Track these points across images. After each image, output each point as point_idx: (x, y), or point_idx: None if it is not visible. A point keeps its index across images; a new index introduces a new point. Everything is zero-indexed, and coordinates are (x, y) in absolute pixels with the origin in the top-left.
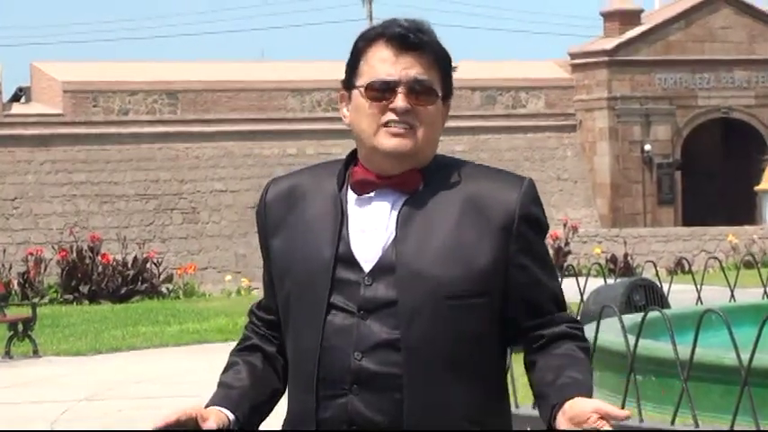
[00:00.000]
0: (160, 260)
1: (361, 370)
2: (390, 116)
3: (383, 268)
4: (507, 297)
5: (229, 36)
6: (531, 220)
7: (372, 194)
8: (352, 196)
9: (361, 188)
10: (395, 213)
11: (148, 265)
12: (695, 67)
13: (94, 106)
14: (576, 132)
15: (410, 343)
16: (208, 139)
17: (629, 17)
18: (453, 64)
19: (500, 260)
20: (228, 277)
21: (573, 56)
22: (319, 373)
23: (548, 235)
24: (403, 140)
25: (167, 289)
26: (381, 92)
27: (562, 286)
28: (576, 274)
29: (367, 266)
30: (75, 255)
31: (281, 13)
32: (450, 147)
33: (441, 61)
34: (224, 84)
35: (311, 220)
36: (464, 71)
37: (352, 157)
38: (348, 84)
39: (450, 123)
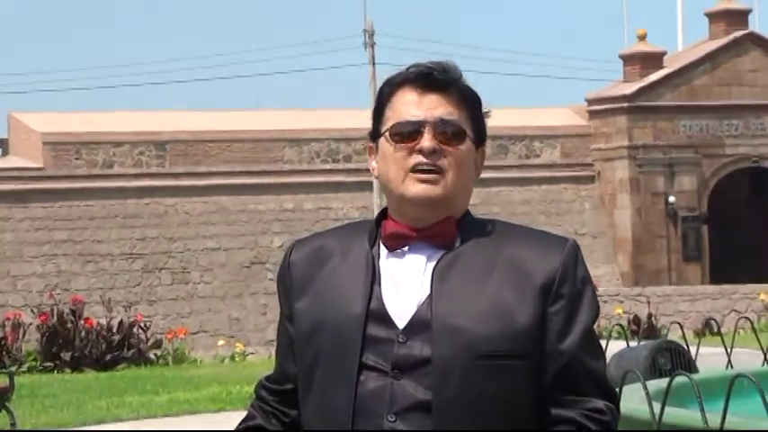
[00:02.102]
0: (148, 324)
1: None
2: (417, 158)
3: (418, 325)
4: (543, 362)
5: (221, 83)
6: (573, 283)
7: (406, 249)
8: (384, 252)
9: (393, 242)
10: (430, 268)
11: (135, 330)
12: (722, 112)
13: (77, 159)
14: (594, 184)
15: (442, 404)
16: (198, 194)
17: (651, 60)
18: (485, 109)
19: (538, 321)
20: (221, 342)
21: (590, 102)
22: None
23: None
24: (431, 186)
25: (155, 355)
26: (407, 133)
27: None
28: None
29: (401, 323)
30: (55, 319)
31: (276, 58)
32: None
33: (469, 102)
34: (216, 134)
35: (341, 278)
36: None
37: (384, 214)
38: (374, 133)
39: None
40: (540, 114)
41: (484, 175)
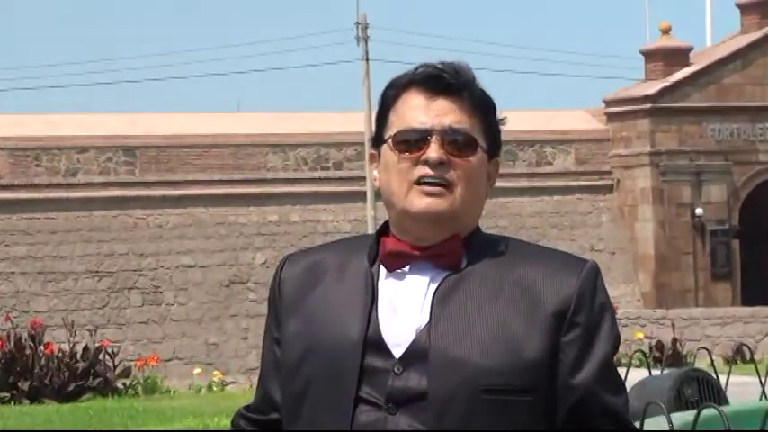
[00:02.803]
0: (116, 350)
1: None
2: (423, 170)
3: (415, 354)
4: (554, 398)
5: (198, 82)
6: (590, 311)
7: (407, 269)
8: (383, 272)
9: (393, 261)
10: (432, 291)
11: (101, 356)
12: (755, 115)
13: (37, 166)
14: (612, 194)
15: None
16: (172, 205)
17: (676, 56)
18: (500, 115)
19: (550, 352)
20: (197, 370)
21: (608, 103)
22: None
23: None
24: (437, 200)
25: (124, 385)
26: (412, 142)
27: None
28: (614, 365)
29: (397, 352)
30: (12, 344)
31: (259, 54)
32: None
33: (483, 107)
34: (192, 138)
35: (337, 299)
36: None
37: (385, 228)
38: (377, 139)
39: None
40: (553, 117)
41: None
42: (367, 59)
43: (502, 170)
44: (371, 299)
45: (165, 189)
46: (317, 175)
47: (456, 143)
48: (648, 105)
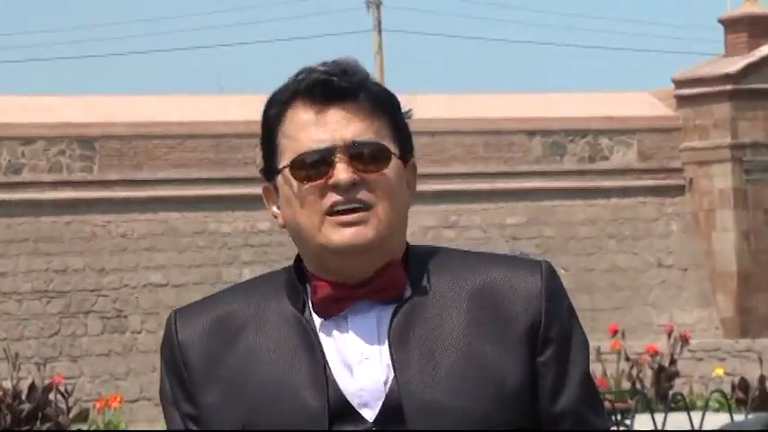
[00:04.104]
0: (69, 388)
1: None
2: (333, 197)
3: (391, 411)
4: (539, 426)
5: (171, 58)
6: (561, 320)
7: (344, 312)
8: (317, 319)
9: (328, 308)
10: (383, 332)
11: (52, 396)
12: None
13: None
14: (684, 196)
15: None
16: (139, 209)
17: (764, 26)
18: (405, 107)
19: (529, 377)
20: None
21: (679, 84)
22: None
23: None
24: (359, 228)
25: (80, 431)
26: (313, 167)
27: (666, 422)
28: (688, 408)
29: (368, 414)
30: None
31: (244, 24)
32: (498, 219)
33: (385, 107)
34: (163, 127)
35: (270, 359)
36: (516, 107)
37: (299, 268)
38: (268, 170)
39: (499, 184)
40: (610, 101)
41: (531, 183)
42: (379, 30)
43: (547, 167)
44: (320, 355)
45: (129, 190)
46: None
47: (364, 157)
48: (729, 86)
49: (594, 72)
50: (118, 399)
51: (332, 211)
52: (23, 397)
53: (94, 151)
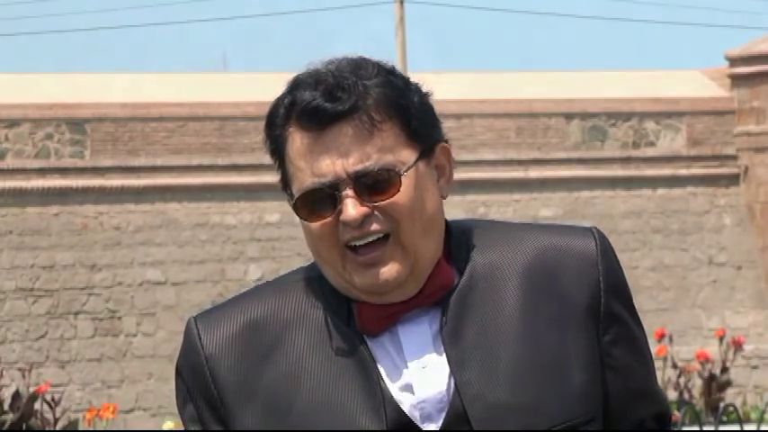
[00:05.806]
0: (57, 397)
1: None
2: (348, 233)
3: (457, 419)
4: (614, 414)
5: (170, 33)
6: (622, 292)
7: (395, 324)
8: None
9: (376, 325)
10: (434, 334)
11: (38, 405)
12: None
13: None
14: (738, 187)
15: None
16: (135, 199)
17: None
18: (425, 89)
19: (595, 359)
20: (169, 423)
21: (733, 61)
22: None
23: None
24: (383, 268)
25: None
26: (320, 204)
27: None
28: (741, 421)
29: (434, 428)
30: None
31: None
32: (532, 210)
33: (392, 110)
34: (162, 108)
35: (316, 377)
36: (554, 87)
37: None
38: (284, 187)
39: (533, 173)
40: (657, 81)
41: (569, 171)
42: (401, 1)
43: (586, 154)
44: (374, 372)
45: (124, 178)
46: None
47: (370, 188)
48: None
49: (638, 48)
50: (111, 409)
51: (350, 246)
52: (6, 407)
53: (85, 135)
